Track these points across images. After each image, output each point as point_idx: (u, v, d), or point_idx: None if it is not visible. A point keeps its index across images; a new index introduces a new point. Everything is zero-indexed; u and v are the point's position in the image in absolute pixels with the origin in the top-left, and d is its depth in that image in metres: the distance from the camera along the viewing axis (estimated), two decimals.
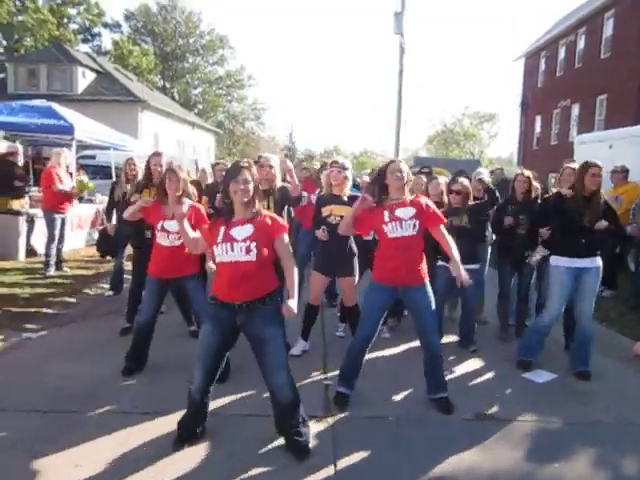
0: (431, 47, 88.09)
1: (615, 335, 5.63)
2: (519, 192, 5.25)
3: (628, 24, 17.36)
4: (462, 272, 3.68)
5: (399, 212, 3.63)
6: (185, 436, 3.19)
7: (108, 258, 7.62)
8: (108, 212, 6.49)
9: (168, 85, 46.64)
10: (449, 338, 5.30)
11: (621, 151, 8.84)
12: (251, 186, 3.01)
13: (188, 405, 3.20)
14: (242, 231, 2.98)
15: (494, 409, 3.83)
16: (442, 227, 3.74)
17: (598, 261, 4.41)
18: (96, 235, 8.92)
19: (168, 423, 3.36)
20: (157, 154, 5.19)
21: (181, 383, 3.49)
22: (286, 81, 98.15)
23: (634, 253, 7.62)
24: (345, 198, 4.55)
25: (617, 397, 4.10)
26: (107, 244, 6.74)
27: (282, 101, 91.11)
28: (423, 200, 3.75)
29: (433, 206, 3.78)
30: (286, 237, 3.11)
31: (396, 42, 17.45)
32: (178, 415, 3.29)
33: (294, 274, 3.05)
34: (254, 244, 2.94)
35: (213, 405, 3.46)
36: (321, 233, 4.52)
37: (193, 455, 3.10)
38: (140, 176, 6.01)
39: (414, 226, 3.60)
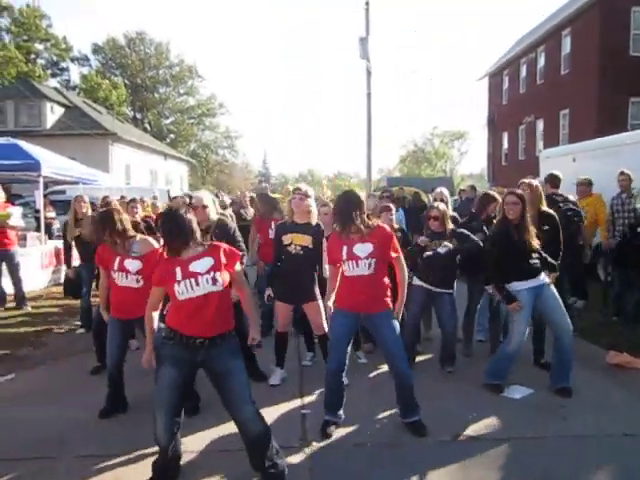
0: (397, 70, 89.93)
1: (588, 345, 5.63)
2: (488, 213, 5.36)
3: (584, 41, 18.00)
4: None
5: (357, 249, 3.58)
6: (160, 479, 3.11)
7: None
8: (66, 256, 6.53)
9: (139, 116, 46.57)
10: (425, 356, 5.30)
11: (584, 164, 9.04)
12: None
13: (159, 449, 3.10)
14: (203, 264, 2.97)
15: (471, 429, 3.80)
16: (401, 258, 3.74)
17: (545, 276, 4.42)
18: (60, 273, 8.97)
19: (143, 466, 3.26)
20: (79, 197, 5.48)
21: None
22: (258, 107, 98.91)
23: (603, 263, 7.76)
24: (313, 224, 4.52)
25: (595, 409, 4.10)
26: (72, 287, 6.62)
27: (255, 127, 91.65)
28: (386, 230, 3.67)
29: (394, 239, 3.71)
30: (239, 264, 3.17)
31: (363, 66, 17.87)
32: (154, 456, 3.19)
33: (250, 299, 3.34)
34: (218, 274, 2.95)
35: (188, 442, 3.38)
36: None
37: None
38: (89, 212, 6.05)
39: (370, 265, 3.58)
